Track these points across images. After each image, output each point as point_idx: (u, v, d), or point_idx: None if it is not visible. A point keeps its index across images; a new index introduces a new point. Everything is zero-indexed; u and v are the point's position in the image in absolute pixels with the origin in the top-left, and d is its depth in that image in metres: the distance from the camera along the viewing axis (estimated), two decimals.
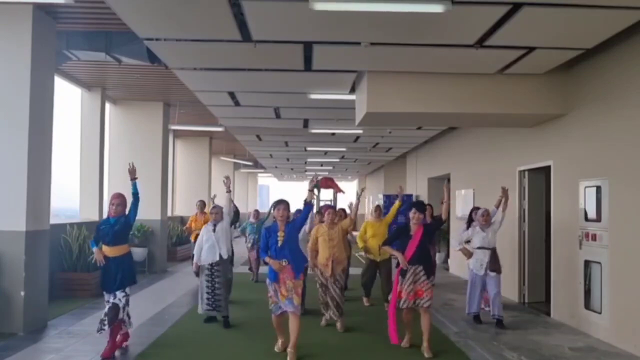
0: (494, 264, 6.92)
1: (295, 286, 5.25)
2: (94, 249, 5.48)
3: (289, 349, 5.31)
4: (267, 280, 5.41)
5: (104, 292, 5.47)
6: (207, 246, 6.80)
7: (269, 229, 5.42)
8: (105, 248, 5.40)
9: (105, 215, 5.74)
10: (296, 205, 8.33)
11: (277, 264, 5.23)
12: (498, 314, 6.90)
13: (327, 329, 6.73)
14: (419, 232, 5.60)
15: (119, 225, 5.43)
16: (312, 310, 7.28)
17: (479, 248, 6.97)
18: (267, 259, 5.33)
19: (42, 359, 5.35)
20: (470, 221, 7.58)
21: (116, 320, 5.38)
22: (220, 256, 6.78)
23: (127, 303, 5.51)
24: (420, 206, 5.78)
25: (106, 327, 5.31)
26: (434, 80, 6.85)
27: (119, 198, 5.55)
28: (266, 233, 5.42)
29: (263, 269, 8.17)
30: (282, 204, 5.41)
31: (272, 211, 5.50)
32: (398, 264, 5.63)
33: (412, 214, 5.67)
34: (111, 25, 6.74)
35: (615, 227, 6.04)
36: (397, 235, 5.85)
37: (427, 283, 5.56)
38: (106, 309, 5.39)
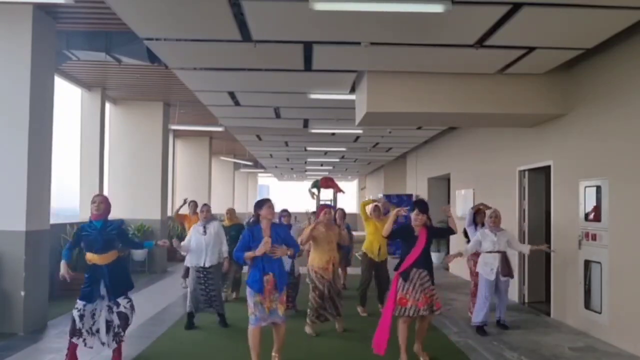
0: (506, 268, 6.56)
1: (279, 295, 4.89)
2: (62, 262, 5.03)
3: (273, 354, 5.07)
4: (249, 291, 4.84)
5: (79, 301, 4.94)
6: (194, 249, 6.63)
7: (252, 230, 4.91)
8: (93, 256, 4.96)
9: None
10: (294, 205, 8.28)
11: (267, 244, 4.71)
12: (503, 318, 6.76)
13: (318, 332, 6.42)
14: (424, 235, 5.21)
15: (115, 230, 5.02)
16: (305, 312, 7.17)
17: (488, 252, 6.57)
18: (249, 254, 4.78)
19: (42, 359, 5.36)
20: (474, 221, 7.53)
21: (127, 327, 5.09)
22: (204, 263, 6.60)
23: (133, 309, 5.12)
24: (422, 206, 5.29)
25: (123, 334, 5.02)
26: (434, 80, 6.85)
27: (100, 196, 5.09)
28: (249, 234, 4.89)
29: None
30: (268, 202, 4.96)
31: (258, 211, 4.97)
32: (397, 267, 5.23)
33: (416, 216, 5.22)
34: (111, 25, 6.74)
35: (615, 227, 6.04)
36: (400, 234, 5.35)
37: (433, 289, 5.21)
38: (100, 320, 5.01)
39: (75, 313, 4.93)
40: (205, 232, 6.69)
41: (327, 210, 6.54)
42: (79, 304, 4.96)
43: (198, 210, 7.14)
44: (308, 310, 6.48)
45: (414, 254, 5.17)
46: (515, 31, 5.24)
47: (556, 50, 5.90)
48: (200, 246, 6.64)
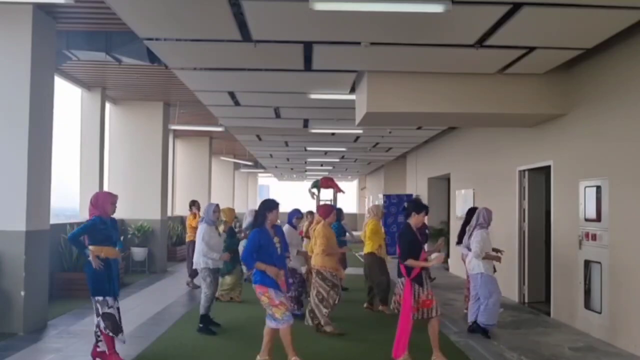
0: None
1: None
2: (90, 249, 4.92)
3: (267, 357, 4.95)
4: (271, 289, 4.82)
5: (107, 298, 4.95)
6: (216, 251, 6.53)
7: (261, 232, 4.92)
8: (111, 250, 5.05)
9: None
10: (293, 206, 8.18)
11: (275, 270, 4.82)
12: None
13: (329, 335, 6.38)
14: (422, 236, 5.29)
15: (117, 227, 5.27)
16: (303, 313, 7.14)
17: (493, 250, 6.59)
18: (260, 265, 4.81)
19: (42, 359, 5.35)
20: (467, 222, 7.52)
21: None
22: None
23: None
24: (427, 209, 5.41)
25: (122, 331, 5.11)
26: (434, 80, 6.85)
27: (116, 196, 5.28)
28: (259, 236, 4.89)
29: None
30: (278, 206, 5.06)
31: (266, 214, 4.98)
32: (407, 273, 5.09)
33: (424, 217, 5.29)
34: (111, 25, 6.74)
35: (615, 227, 6.04)
36: (415, 244, 5.22)
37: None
38: (115, 317, 5.01)
39: (115, 312, 4.97)
40: (220, 233, 6.84)
41: (336, 212, 6.70)
42: (109, 300, 4.94)
43: (202, 209, 7.24)
44: (323, 310, 6.41)
45: (422, 258, 5.19)
46: (515, 31, 5.24)
47: (556, 50, 5.90)
48: (220, 248, 6.67)
